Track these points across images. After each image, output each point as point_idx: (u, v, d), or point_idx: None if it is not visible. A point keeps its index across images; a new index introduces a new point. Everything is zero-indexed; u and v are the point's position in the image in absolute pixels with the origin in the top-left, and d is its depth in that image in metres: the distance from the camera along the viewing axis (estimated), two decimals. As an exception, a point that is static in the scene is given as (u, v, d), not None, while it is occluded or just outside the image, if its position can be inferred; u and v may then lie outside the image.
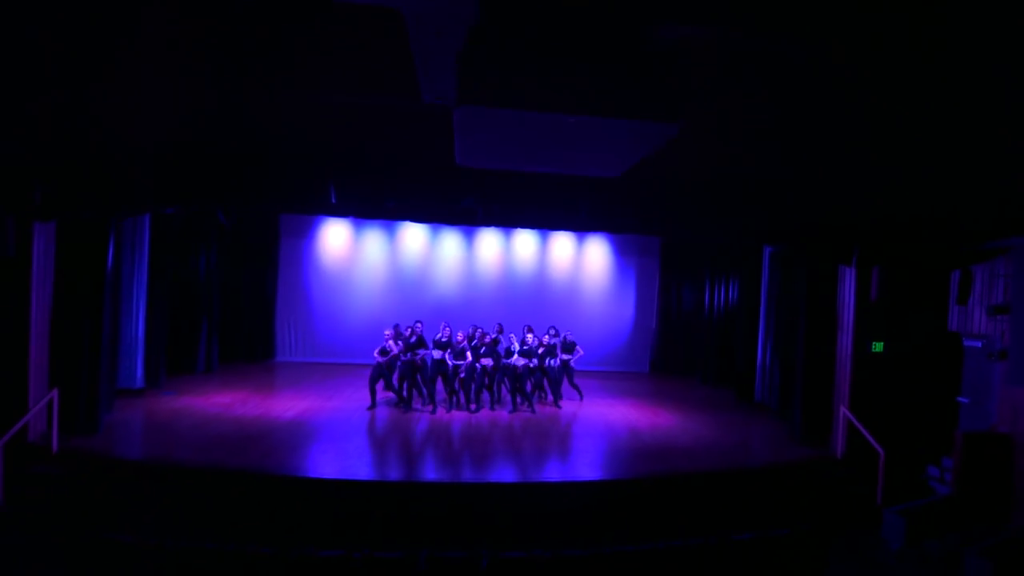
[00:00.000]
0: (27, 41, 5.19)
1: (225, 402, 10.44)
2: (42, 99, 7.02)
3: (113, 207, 7.77)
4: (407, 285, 14.56)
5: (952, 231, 8.32)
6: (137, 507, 6.82)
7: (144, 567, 5.54)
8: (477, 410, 10.44)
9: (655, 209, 8.20)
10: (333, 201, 7.40)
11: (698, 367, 14.59)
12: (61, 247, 8.24)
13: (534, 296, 14.67)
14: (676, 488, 7.67)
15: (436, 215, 8.61)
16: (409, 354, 10.10)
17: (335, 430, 9.18)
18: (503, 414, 10.44)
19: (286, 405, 10.44)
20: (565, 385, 11.37)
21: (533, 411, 10.62)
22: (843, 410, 8.89)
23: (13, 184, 7.44)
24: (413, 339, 10.15)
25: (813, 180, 8.28)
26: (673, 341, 15.31)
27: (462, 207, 7.94)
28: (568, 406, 11.21)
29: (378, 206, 7.58)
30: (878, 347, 9.10)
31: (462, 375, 10.44)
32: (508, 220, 8.91)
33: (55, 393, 7.84)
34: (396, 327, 10.67)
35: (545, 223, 10.08)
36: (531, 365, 10.60)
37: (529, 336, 10.67)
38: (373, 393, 10.30)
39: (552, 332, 11.33)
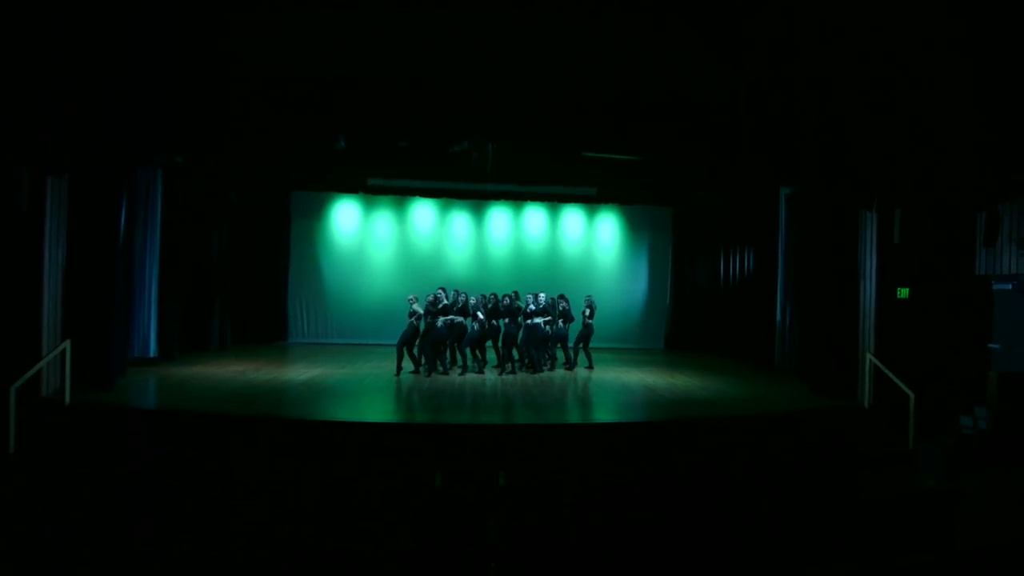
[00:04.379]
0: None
1: (238, 369, 10.41)
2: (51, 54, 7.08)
3: (125, 156, 7.77)
4: (419, 264, 14.47)
5: (976, 166, 8.08)
6: (150, 452, 6.74)
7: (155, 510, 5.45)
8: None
9: (667, 145, 8.02)
10: (341, 145, 7.34)
11: (714, 341, 14.29)
12: (74, 205, 8.26)
13: (545, 273, 14.47)
14: (697, 430, 7.44)
15: (446, 167, 8.50)
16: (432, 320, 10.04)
17: (347, 388, 9.10)
18: (514, 374, 10.41)
19: (298, 371, 10.39)
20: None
21: (533, 371, 10.60)
22: (869, 357, 8.60)
23: (25, 135, 7.48)
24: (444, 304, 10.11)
25: (832, 115, 8.10)
26: (688, 316, 15.03)
27: (471, 156, 7.84)
28: (580, 372, 11.04)
29: (389, 149, 7.50)
30: (903, 293, 8.82)
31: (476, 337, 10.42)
32: (514, 169, 8.77)
33: (67, 344, 7.81)
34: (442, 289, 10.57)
35: (552, 179, 9.89)
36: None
37: (541, 297, 10.71)
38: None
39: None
